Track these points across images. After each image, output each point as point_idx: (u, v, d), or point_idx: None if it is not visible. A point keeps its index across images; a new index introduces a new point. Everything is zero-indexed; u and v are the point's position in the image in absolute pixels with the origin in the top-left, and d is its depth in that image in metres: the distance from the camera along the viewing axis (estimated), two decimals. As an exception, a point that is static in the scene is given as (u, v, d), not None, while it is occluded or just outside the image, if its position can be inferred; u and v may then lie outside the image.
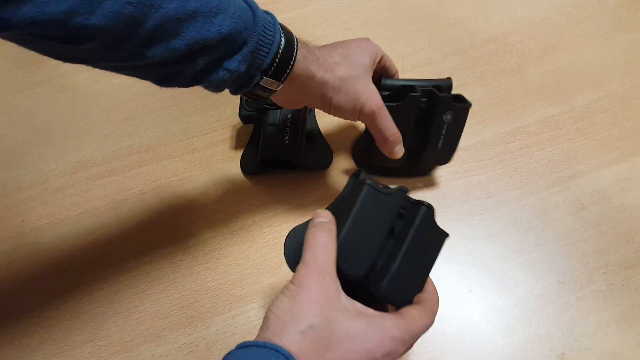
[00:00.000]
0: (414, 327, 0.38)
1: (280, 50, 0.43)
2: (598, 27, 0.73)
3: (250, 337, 0.52)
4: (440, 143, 0.56)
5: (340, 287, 0.37)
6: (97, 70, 0.40)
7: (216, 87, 0.44)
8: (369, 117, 0.50)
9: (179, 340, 0.52)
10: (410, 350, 0.40)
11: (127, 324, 0.53)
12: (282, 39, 0.43)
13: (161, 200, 0.60)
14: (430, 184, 0.61)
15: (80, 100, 0.68)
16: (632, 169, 0.62)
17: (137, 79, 0.42)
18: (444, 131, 0.55)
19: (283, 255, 0.42)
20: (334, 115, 0.51)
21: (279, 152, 0.58)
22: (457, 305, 0.54)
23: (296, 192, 0.61)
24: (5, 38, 0.34)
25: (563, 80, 0.69)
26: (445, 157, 0.58)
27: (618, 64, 0.70)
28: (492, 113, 0.66)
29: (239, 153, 0.63)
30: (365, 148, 0.59)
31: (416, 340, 0.39)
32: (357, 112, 0.49)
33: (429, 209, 0.41)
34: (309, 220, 0.41)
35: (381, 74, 0.55)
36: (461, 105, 0.55)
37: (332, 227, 0.39)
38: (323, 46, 0.50)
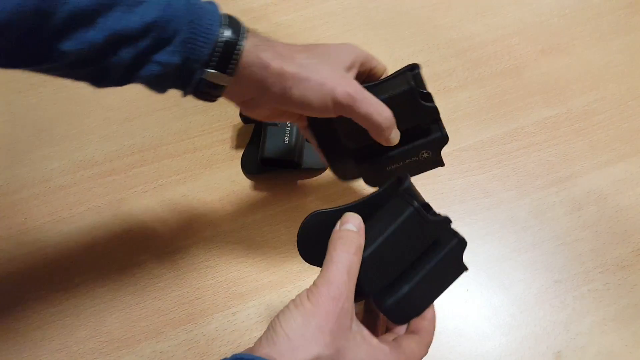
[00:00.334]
0: (411, 359, 0.38)
1: (221, 39, 0.39)
2: (595, 29, 0.74)
3: (249, 334, 0.53)
4: (393, 167, 0.48)
5: (354, 312, 0.36)
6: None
7: (156, 85, 0.41)
8: (346, 103, 0.41)
9: (180, 337, 0.53)
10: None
11: (129, 320, 0.54)
12: (225, 28, 0.39)
13: (162, 199, 0.61)
14: (429, 183, 0.62)
15: (83, 100, 0.68)
16: (629, 169, 0.62)
17: None
18: (407, 161, 0.48)
19: (296, 239, 0.40)
20: (305, 114, 0.43)
21: (280, 151, 0.59)
22: (454, 304, 0.54)
23: (296, 192, 0.61)
24: None
25: (560, 82, 0.69)
26: (375, 180, 0.49)
27: (615, 66, 0.71)
28: (490, 114, 0.67)
29: (240, 153, 0.63)
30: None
31: None
32: (328, 101, 0.41)
33: (461, 243, 0.39)
34: (336, 209, 0.39)
35: (366, 80, 0.47)
36: (435, 164, 0.48)
37: (361, 242, 0.37)
38: (290, 43, 0.44)
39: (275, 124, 0.60)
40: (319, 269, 0.36)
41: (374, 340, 0.37)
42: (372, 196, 0.40)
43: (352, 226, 0.37)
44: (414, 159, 0.47)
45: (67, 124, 0.67)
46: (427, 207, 0.40)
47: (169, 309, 0.54)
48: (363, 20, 0.76)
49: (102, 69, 0.38)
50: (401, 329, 0.42)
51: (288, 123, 0.60)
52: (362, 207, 0.39)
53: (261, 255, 0.57)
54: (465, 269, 0.40)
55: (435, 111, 0.45)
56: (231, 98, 0.44)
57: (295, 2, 0.77)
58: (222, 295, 0.55)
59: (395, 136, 0.44)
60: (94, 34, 0.36)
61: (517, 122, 0.66)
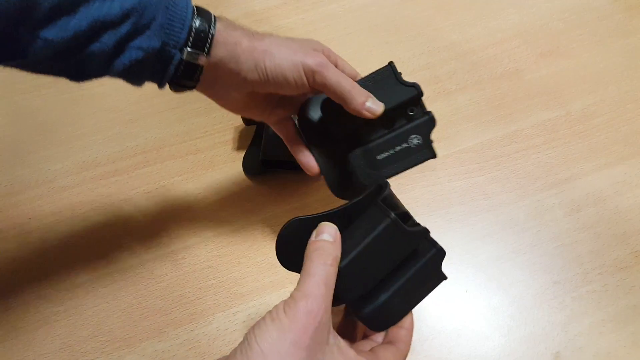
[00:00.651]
0: None
1: (195, 22, 0.41)
2: (595, 32, 0.75)
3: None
4: (382, 156, 0.46)
5: (331, 324, 0.36)
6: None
7: (135, 75, 0.42)
8: (318, 69, 0.42)
9: (181, 336, 0.53)
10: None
11: (130, 320, 0.54)
12: (196, 14, 0.41)
13: (165, 199, 0.62)
14: (429, 185, 0.62)
15: (86, 102, 0.69)
16: (628, 171, 0.63)
17: None
18: (398, 148, 0.46)
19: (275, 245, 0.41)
20: (280, 91, 0.44)
21: (281, 152, 0.59)
22: (453, 305, 0.55)
23: (297, 192, 0.62)
24: None
25: (560, 85, 0.70)
26: (370, 174, 0.47)
27: (614, 69, 0.71)
28: (490, 116, 0.67)
29: (241, 154, 0.64)
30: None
31: None
32: (300, 70, 0.42)
33: (439, 253, 0.39)
34: (315, 216, 0.39)
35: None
36: (428, 153, 0.47)
37: (337, 253, 0.37)
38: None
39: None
40: None
41: (351, 352, 0.37)
42: (351, 204, 0.40)
43: (327, 236, 0.37)
44: (404, 145, 0.46)
45: (71, 125, 0.67)
46: (406, 216, 0.41)
47: (170, 309, 0.55)
48: (364, 23, 0.76)
49: (83, 59, 0.39)
50: (379, 335, 0.42)
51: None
52: (342, 214, 0.39)
53: (262, 256, 0.58)
54: (444, 277, 0.40)
55: (416, 89, 0.45)
56: (205, 87, 0.45)
57: (296, 6, 0.78)
58: (224, 295, 0.56)
59: (373, 105, 0.43)
60: (78, 21, 0.37)
61: (516, 125, 0.67)
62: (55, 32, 0.36)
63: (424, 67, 0.72)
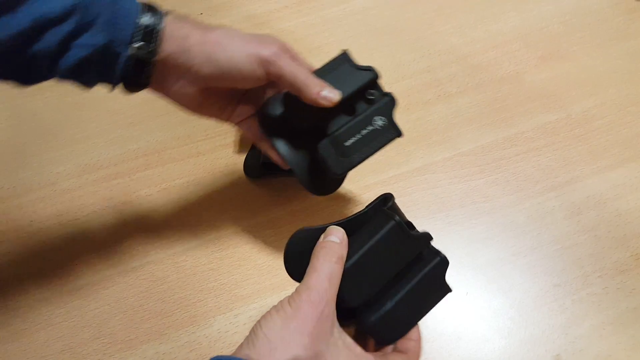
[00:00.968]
0: None
1: (142, 18, 0.40)
2: (596, 35, 0.75)
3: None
4: (350, 141, 0.46)
5: (335, 318, 0.36)
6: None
7: (83, 76, 0.41)
8: (273, 60, 0.41)
9: (182, 339, 0.54)
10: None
11: (132, 322, 0.55)
12: (144, 9, 0.41)
13: (166, 202, 0.62)
14: (429, 188, 0.62)
15: (88, 104, 0.69)
16: (628, 174, 0.63)
17: None
18: (364, 132, 0.46)
19: (283, 256, 0.41)
20: (235, 84, 0.43)
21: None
22: (454, 307, 0.55)
23: (298, 195, 0.62)
24: None
25: (560, 88, 0.70)
26: (342, 162, 0.46)
27: (615, 72, 0.71)
28: (490, 119, 0.67)
29: (243, 157, 0.64)
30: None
31: None
32: (254, 61, 0.41)
33: (443, 262, 0.40)
34: (320, 227, 0.40)
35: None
36: (394, 132, 0.47)
37: (343, 252, 0.38)
38: None
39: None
40: None
41: (357, 348, 0.37)
42: (357, 215, 0.42)
43: (335, 238, 0.39)
44: (370, 128, 0.46)
45: (73, 128, 0.68)
46: (410, 226, 0.42)
47: (171, 311, 0.55)
48: (365, 26, 0.77)
49: (28, 60, 0.38)
50: (388, 349, 0.42)
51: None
52: (348, 224, 0.41)
53: (263, 258, 0.58)
54: (448, 290, 0.41)
55: (372, 72, 0.46)
56: (158, 85, 0.43)
57: (298, 9, 0.78)
58: (225, 297, 0.56)
59: (329, 94, 0.42)
60: (20, 19, 0.36)
61: (517, 128, 0.67)
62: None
63: (424, 70, 0.72)
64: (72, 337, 0.54)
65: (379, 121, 0.46)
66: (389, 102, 0.46)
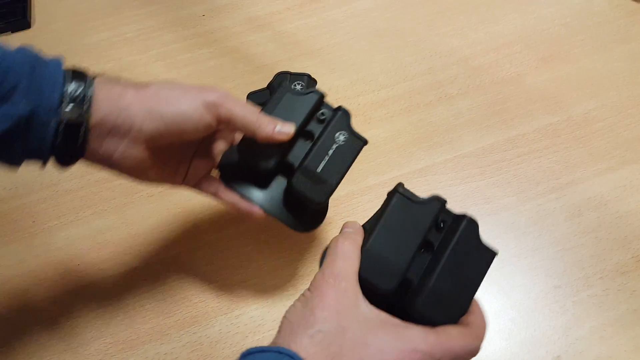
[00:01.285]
0: (448, 345, 0.35)
1: (68, 86, 0.37)
2: (596, 38, 0.75)
3: (252, 337, 0.54)
4: (321, 166, 0.45)
5: (360, 294, 0.36)
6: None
7: (8, 151, 0.37)
8: (220, 102, 0.40)
9: (184, 339, 0.54)
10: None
11: (133, 322, 0.55)
12: (68, 75, 0.37)
13: (168, 202, 0.62)
14: (430, 189, 0.62)
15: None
16: (629, 176, 0.63)
17: None
18: (330, 152, 0.46)
19: (318, 263, 0.41)
20: (183, 136, 0.40)
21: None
22: (455, 308, 0.55)
23: (299, 196, 0.62)
24: None
25: (561, 90, 0.70)
26: (322, 189, 0.45)
27: (616, 73, 0.71)
28: (491, 121, 0.67)
29: (244, 158, 0.64)
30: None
31: None
32: (201, 107, 0.39)
33: (471, 223, 0.38)
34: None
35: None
36: (359, 141, 0.47)
37: (357, 237, 0.39)
38: None
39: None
40: None
41: (394, 319, 0.36)
42: (372, 216, 0.42)
43: (348, 228, 0.40)
44: (334, 146, 0.45)
45: (75, 129, 0.68)
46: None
47: (173, 312, 0.55)
48: (366, 28, 0.77)
49: None
50: None
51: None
52: (365, 225, 0.41)
53: (264, 259, 0.58)
54: (494, 253, 0.39)
55: (315, 94, 0.46)
56: (96, 152, 0.39)
57: (299, 11, 0.79)
58: (226, 297, 0.56)
59: (283, 128, 0.42)
60: None
61: (518, 129, 0.67)
62: None
63: (425, 71, 0.72)
64: (74, 338, 0.54)
65: (341, 137, 0.46)
66: (342, 115, 0.46)
